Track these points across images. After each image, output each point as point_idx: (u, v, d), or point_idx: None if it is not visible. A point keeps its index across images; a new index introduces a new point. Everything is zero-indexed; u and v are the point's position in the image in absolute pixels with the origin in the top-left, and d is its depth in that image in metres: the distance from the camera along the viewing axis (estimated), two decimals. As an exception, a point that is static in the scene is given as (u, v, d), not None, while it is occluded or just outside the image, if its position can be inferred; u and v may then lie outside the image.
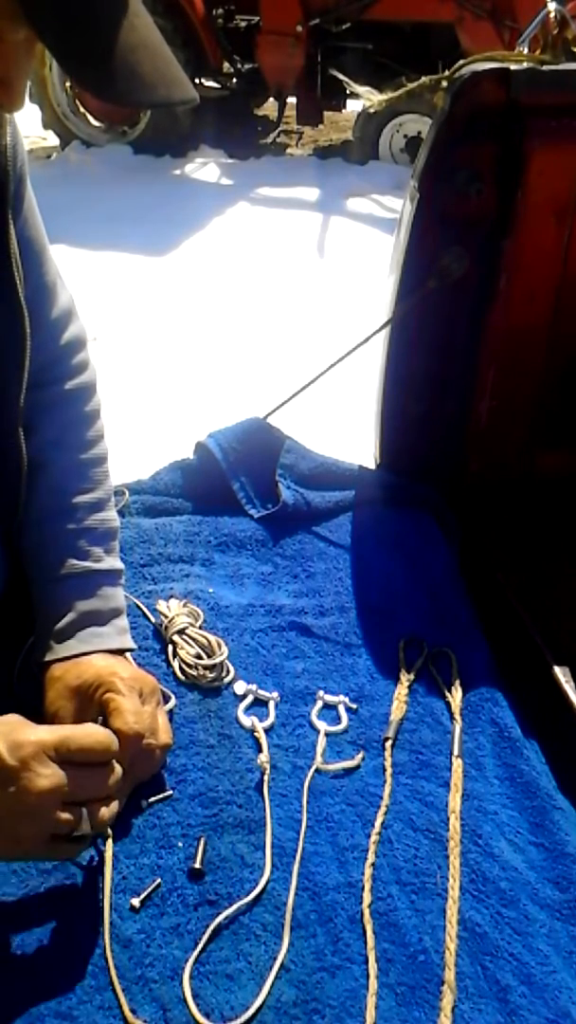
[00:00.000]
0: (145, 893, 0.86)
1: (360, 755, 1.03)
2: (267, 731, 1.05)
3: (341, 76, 5.39)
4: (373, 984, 0.81)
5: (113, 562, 1.07)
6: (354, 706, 1.10)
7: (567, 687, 1.13)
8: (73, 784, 0.79)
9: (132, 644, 1.04)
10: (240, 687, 1.10)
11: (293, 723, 1.07)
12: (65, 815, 0.78)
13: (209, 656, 1.12)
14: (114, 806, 0.84)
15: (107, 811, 0.82)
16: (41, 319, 1.02)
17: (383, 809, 0.97)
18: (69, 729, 0.84)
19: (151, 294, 4.19)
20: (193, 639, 1.14)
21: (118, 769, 0.84)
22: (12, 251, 0.93)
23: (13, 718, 0.81)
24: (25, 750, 0.77)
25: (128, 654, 1.03)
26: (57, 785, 0.77)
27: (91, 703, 0.94)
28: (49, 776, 0.77)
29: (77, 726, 0.86)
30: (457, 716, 1.09)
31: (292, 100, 6.26)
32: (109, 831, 0.88)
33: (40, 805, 0.77)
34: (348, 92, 5.83)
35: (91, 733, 0.83)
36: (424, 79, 1.33)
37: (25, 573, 1.06)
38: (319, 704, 1.10)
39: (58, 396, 1.08)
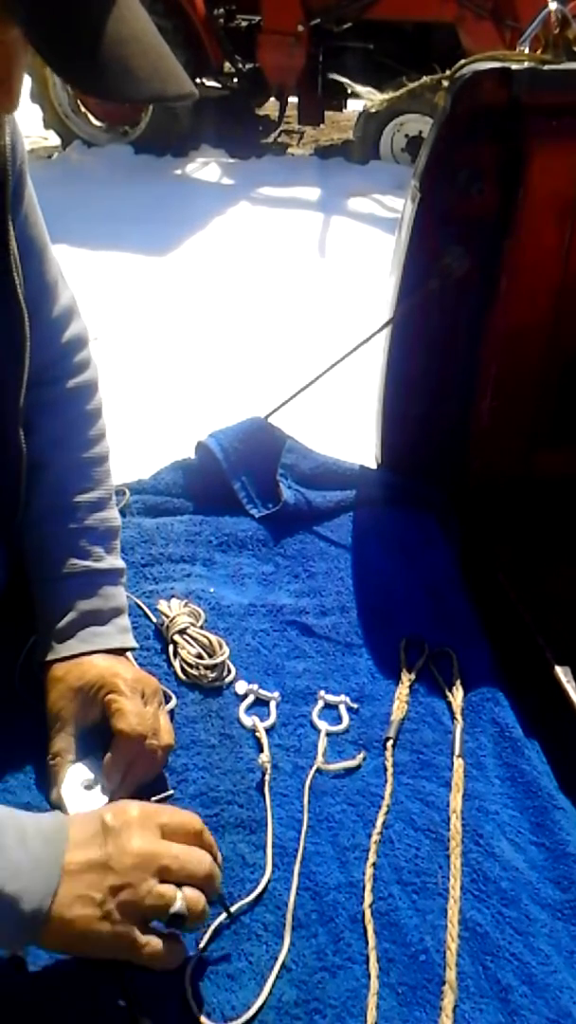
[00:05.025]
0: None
1: (361, 755, 1.03)
2: (268, 731, 1.05)
3: (343, 79, 5.39)
4: (374, 984, 0.81)
5: (114, 561, 1.06)
6: (355, 706, 1.10)
7: (568, 687, 1.13)
8: (171, 855, 0.76)
9: (133, 643, 1.04)
10: (241, 687, 1.10)
11: (294, 723, 1.07)
12: (161, 887, 0.74)
13: (210, 656, 1.12)
14: (203, 901, 0.77)
15: (201, 900, 0.76)
16: (42, 318, 1.02)
17: (384, 809, 0.97)
18: (163, 807, 0.83)
19: (151, 294, 4.19)
20: (194, 639, 1.14)
21: (211, 863, 0.80)
22: (12, 250, 0.92)
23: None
24: (127, 815, 0.77)
25: (129, 654, 1.03)
26: (156, 850, 0.76)
27: (93, 704, 0.94)
28: (149, 841, 0.76)
29: (169, 808, 0.84)
30: (458, 716, 1.09)
31: (293, 100, 6.26)
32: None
33: (137, 866, 0.74)
34: (349, 92, 5.82)
35: (180, 811, 0.83)
36: (425, 79, 1.33)
37: (26, 572, 1.06)
38: (320, 704, 1.10)
39: (59, 395, 1.08)
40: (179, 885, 0.75)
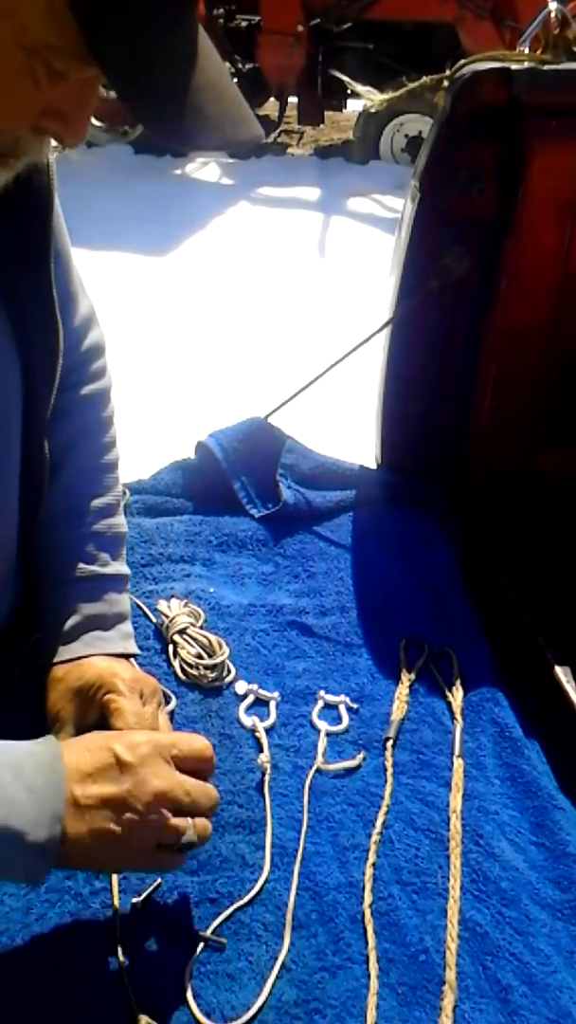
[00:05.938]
0: (146, 893, 0.86)
1: (361, 755, 1.03)
2: (268, 731, 1.05)
3: (342, 76, 5.38)
4: (374, 984, 0.81)
5: (119, 567, 1.07)
6: (355, 706, 1.10)
7: (568, 687, 1.13)
8: (184, 791, 0.79)
9: (135, 649, 1.04)
10: (241, 687, 1.10)
11: (294, 723, 1.07)
12: (175, 821, 0.78)
13: (210, 656, 1.12)
14: (210, 829, 0.82)
15: (207, 827, 0.81)
16: (66, 326, 1.02)
17: (384, 809, 0.97)
18: (176, 734, 0.86)
19: (151, 294, 4.19)
20: (194, 639, 1.14)
21: (217, 796, 0.83)
22: (51, 267, 0.93)
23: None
24: (142, 748, 0.79)
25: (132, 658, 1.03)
26: (172, 786, 0.78)
27: (92, 704, 0.94)
28: (165, 777, 0.78)
29: (180, 733, 0.86)
30: (458, 716, 1.09)
31: (293, 100, 6.26)
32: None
33: (154, 805, 0.77)
34: (349, 92, 5.82)
35: (195, 738, 0.85)
36: (425, 79, 1.33)
37: (32, 574, 1.06)
38: (320, 704, 1.10)
39: (75, 401, 1.08)
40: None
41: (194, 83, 0.65)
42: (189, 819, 0.78)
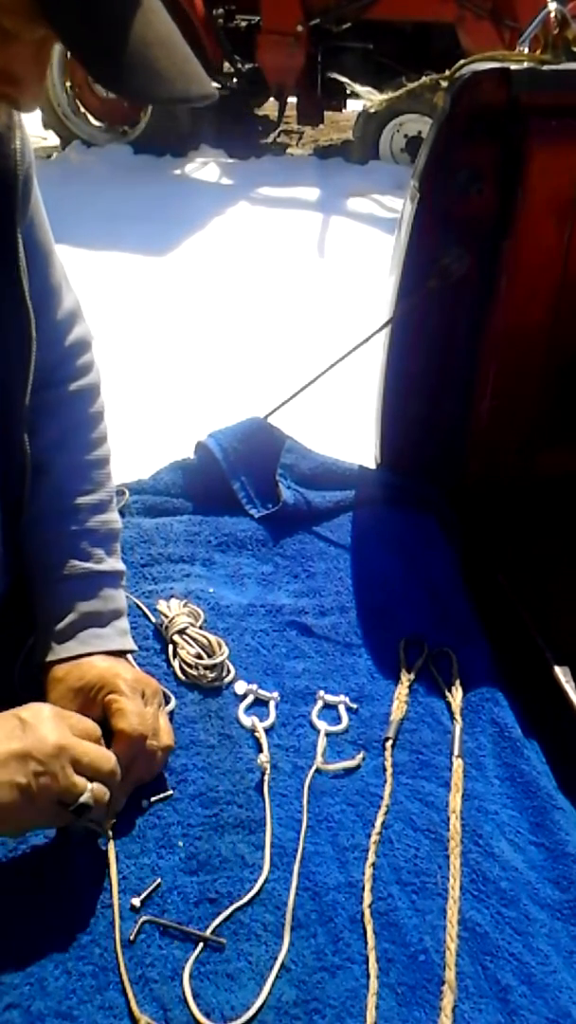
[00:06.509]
0: (145, 893, 0.86)
1: (360, 755, 1.03)
2: (267, 731, 1.05)
3: (342, 78, 5.38)
4: (374, 984, 0.81)
5: (114, 564, 1.07)
6: (354, 706, 1.10)
7: (567, 687, 1.13)
8: (82, 749, 0.83)
9: (133, 646, 1.04)
10: (240, 687, 1.10)
11: (293, 723, 1.07)
12: (75, 776, 0.81)
13: (209, 656, 1.12)
14: (108, 795, 0.86)
15: (104, 792, 0.84)
16: (47, 321, 1.02)
17: (383, 809, 0.97)
18: (72, 713, 0.89)
19: (151, 294, 4.19)
20: (193, 639, 1.14)
21: (115, 762, 0.87)
22: (19, 255, 0.93)
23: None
24: (44, 712, 0.84)
25: (129, 655, 1.03)
26: (71, 742, 0.82)
27: (93, 704, 0.94)
28: (64, 734, 0.83)
29: (75, 713, 0.90)
30: (457, 716, 1.09)
31: (292, 100, 6.26)
32: (110, 832, 0.89)
33: (56, 756, 0.80)
34: (348, 92, 5.82)
35: (87, 720, 0.89)
36: (424, 79, 1.33)
37: (26, 574, 1.06)
38: (319, 704, 1.10)
39: (62, 397, 1.08)
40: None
41: (144, 38, 0.66)
42: (88, 782, 0.82)
